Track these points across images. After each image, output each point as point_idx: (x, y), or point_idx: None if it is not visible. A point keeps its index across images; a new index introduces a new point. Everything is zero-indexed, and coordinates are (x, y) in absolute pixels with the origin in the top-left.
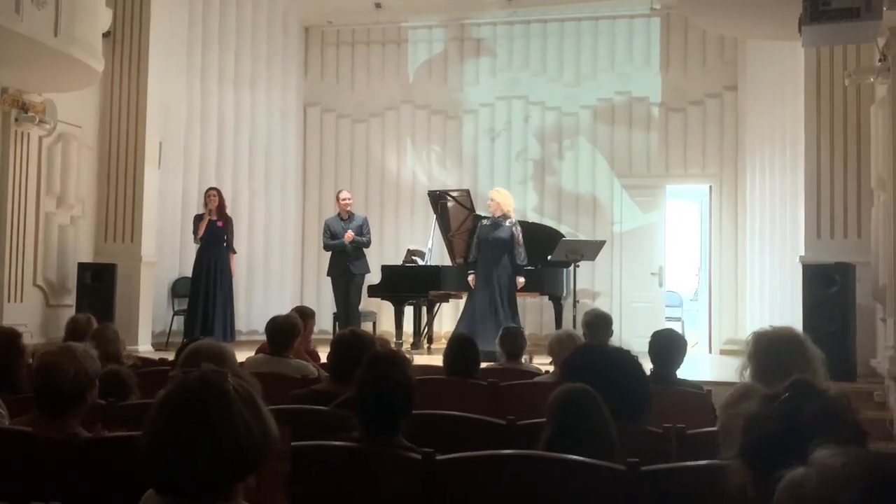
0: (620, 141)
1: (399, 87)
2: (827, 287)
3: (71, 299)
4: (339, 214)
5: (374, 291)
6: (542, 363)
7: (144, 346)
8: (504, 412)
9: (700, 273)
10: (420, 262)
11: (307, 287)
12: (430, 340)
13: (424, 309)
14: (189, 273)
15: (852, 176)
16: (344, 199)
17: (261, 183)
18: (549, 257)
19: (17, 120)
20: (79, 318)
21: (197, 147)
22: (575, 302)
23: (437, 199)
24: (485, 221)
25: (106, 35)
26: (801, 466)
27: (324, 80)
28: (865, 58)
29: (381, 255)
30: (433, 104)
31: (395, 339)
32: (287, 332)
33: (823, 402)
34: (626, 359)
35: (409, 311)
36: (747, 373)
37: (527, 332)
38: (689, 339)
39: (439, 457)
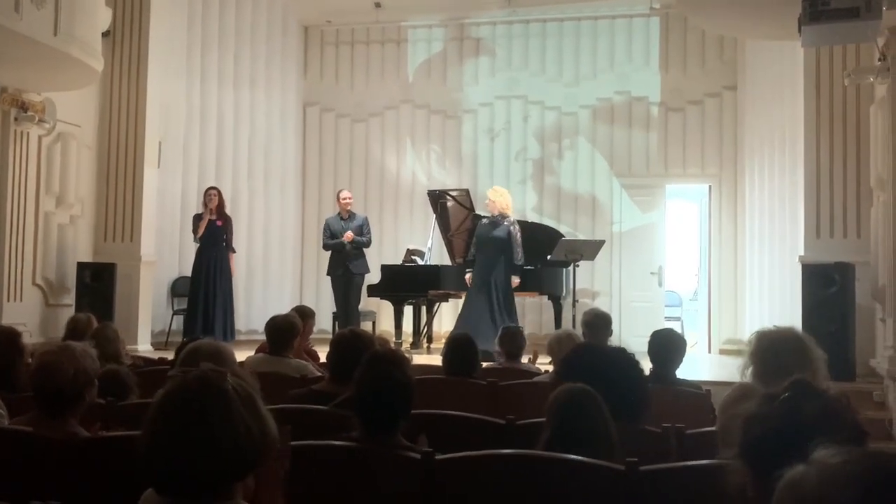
0: (620, 141)
1: (398, 87)
2: (826, 287)
3: (70, 299)
4: (339, 214)
5: (373, 291)
6: (542, 362)
7: (144, 346)
8: (503, 412)
9: (699, 273)
10: (419, 262)
11: (306, 286)
12: (429, 340)
13: (424, 308)
14: (188, 272)
15: (852, 176)
16: (344, 199)
17: (260, 182)
18: (548, 257)
19: (16, 119)
20: (79, 317)
21: (196, 146)
22: (574, 302)
23: (437, 199)
24: (484, 221)
25: (105, 34)
26: (801, 465)
27: (323, 79)
28: (865, 58)
29: (381, 254)
30: (432, 104)
31: (394, 339)
32: (286, 331)
33: (823, 402)
34: (624, 358)
35: (408, 310)
36: (749, 372)
37: (526, 331)
38: (689, 338)
39: (438, 456)
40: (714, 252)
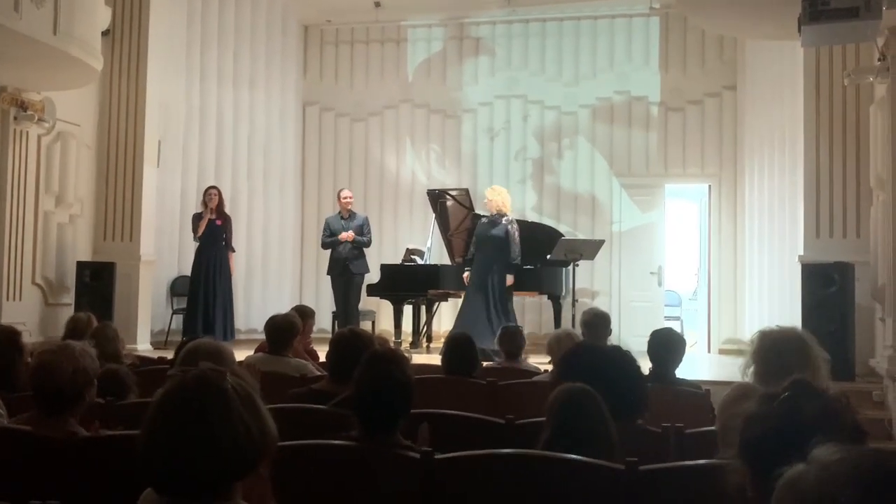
0: (619, 140)
1: (398, 86)
2: (826, 287)
3: (70, 298)
4: (339, 213)
5: (373, 290)
6: (541, 362)
7: (143, 345)
8: (503, 411)
9: (699, 272)
10: (419, 262)
11: (306, 286)
12: (428, 339)
13: (423, 308)
14: (188, 272)
15: (851, 175)
16: (345, 198)
17: (259, 182)
18: (548, 256)
19: (15, 118)
20: (79, 316)
21: (196, 146)
22: (574, 301)
23: (437, 198)
24: (483, 220)
25: (105, 33)
26: (800, 464)
27: (323, 79)
28: (865, 57)
29: (381, 254)
30: (432, 103)
31: (393, 339)
32: (286, 331)
33: (823, 402)
34: (622, 357)
35: (407, 310)
36: (750, 371)
37: (526, 331)
38: (688, 338)
39: (438, 456)
40: (714, 252)
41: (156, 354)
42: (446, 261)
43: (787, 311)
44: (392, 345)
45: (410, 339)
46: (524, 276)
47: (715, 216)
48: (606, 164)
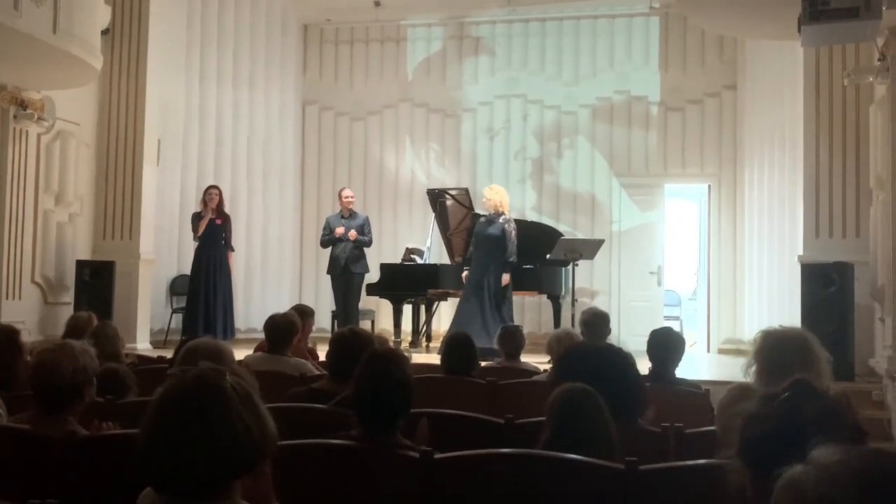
0: (619, 140)
1: (398, 86)
2: (825, 286)
3: (69, 297)
4: (340, 212)
5: (372, 290)
6: (540, 361)
7: (143, 344)
8: (502, 411)
9: (698, 272)
10: (419, 261)
11: (305, 285)
12: (428, 339)
13: (423, 307)
14: (187, 271)
15: (851, 175)
16: (346, 197)
17: (259, 181)
18: (547, 256)
19: (15, 117)
20: (80, 315)
21: (195, 145)
22: (573, 301)
23: (436, 198)
24: (481, 219)
25: (105, 32)
26: (799, 465)
27: (322, 78)
28: (864, 57)
29: (380, 253)
30: (432, 103)
31: (393, 338)
32: (285, 330)
33: (823, 402)
34: (620, 357)
35: (407, 309)
36: (752, 370)
37: (526, 330)
38: (688, 338)
39: (437, 455)
40: (713, 251)
41: (155, 353)
42: (446, 260)
43: (786, 311)
44: (392, 344)
45: (410, 338)
46: (524, 276)
47: (714, 216)
48: (606, 164)
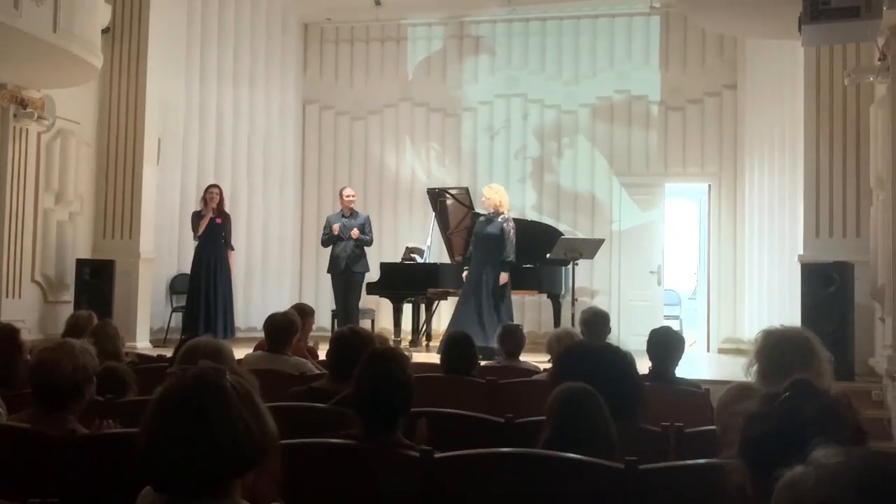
0: (619, 139)
1: (398, 85)
2: (825, 286)
3: (69, 295)
4: (341, 211)
5: (372, 289)
6: (540, 360)
7: (143, 343)
8: (502, 410)
9: (698, 272)
10: (419, 260)
11: (305, 284)
12: (428, 338)
13: (423, 306)
14: (187, 270)
15: (851, 175)
16: (348, 197)
17: (259, 180)
18: (547, 255)
19: (15, 116)
20: (80, 314)
21: (195, 144)
22: (573, 300)
23: (436, 197)
24: (481, 218)
25: (105, 31)
26: (799, 466)
27: (323, 77)
28: (865, 57)
29: (380, 252)
30: (432, 102)
31: (393, 337)
32: (285, 329)
33: (823, 402)
34: (619, 356)
35: (407, 308)
36: (754, 370)
37: (525, 330)
38: (688, 337)
39: (438, 454)
40: (713, 251)
41: (155, 352)
42: (446, 259)
43: (786, 311)
44: (392, 343)
45: (410, 337)
46: (524, 275)
47: (715, 215)
48: (606, 163)
